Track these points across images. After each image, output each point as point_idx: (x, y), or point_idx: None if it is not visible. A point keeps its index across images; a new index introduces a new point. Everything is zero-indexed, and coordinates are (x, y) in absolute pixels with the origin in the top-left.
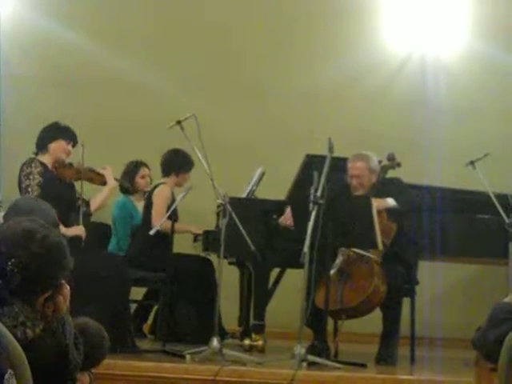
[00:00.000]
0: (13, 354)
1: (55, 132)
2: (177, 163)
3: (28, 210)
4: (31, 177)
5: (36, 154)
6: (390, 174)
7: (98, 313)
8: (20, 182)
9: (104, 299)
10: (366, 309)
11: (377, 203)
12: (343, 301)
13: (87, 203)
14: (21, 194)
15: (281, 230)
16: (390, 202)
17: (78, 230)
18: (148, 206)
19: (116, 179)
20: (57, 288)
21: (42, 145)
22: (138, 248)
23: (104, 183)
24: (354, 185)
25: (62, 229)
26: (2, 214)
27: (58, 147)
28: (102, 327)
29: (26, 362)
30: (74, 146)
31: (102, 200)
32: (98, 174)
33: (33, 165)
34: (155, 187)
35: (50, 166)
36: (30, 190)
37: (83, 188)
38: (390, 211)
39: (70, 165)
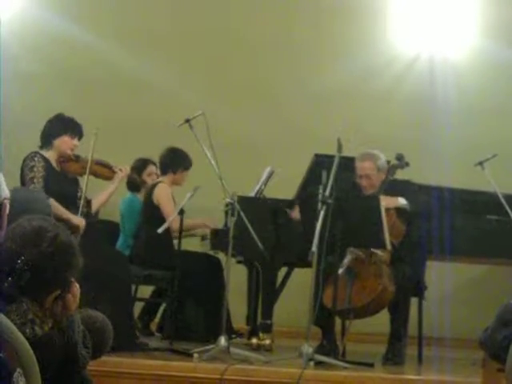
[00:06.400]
0: (21, 351)
1: (60, 127)
2: (174, 161)
3: (23, 201)
4: (35, 169)
5: (40, 147)
6: (399, 173)
7: (102, 310)
8: (24, 175)
9: (107, 297)
10: (374, 309)
11: (387, 201)
12: (351, 300)
13: (88, 203)
14: (24, 186)
15: (291, 223)
16: (401, 200)
17: (81, 221)
18: (148, 205)
19: (130, 177)
20: (66, 287)
21: (46, 140)
22: (142, 246)
23: (109, 178)
24: (364, 185)
25: (68, 214)
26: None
27: (62, 144)
28: (107, 319)
29: (35, 360)
30: (80, 139)
31: (103, 201)
32: (105, 167)
33: (36, 159)
34: (153, 186)
35: (53, 161)
36: (35, 181)
37: (88, 185)
38: (399, 211)
39: (77, 158)
